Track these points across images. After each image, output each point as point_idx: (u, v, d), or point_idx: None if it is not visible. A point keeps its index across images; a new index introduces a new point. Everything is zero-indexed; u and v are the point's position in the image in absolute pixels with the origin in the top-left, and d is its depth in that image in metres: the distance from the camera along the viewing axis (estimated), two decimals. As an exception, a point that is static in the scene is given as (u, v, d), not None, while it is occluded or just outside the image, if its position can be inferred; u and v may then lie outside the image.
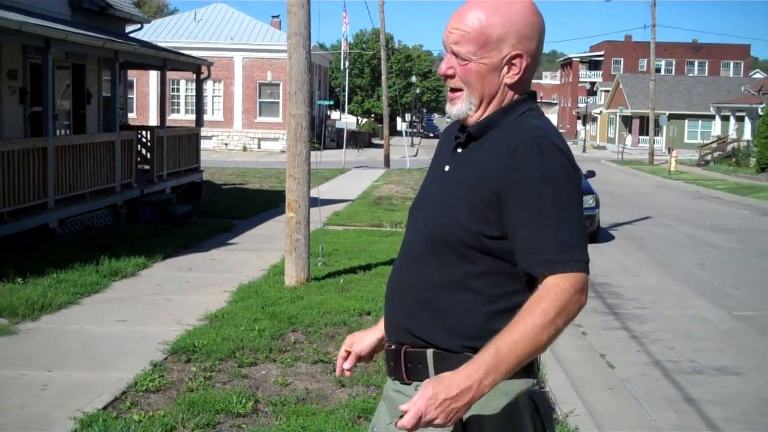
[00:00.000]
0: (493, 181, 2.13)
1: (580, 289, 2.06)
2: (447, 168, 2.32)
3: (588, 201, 15.58)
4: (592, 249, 14.59)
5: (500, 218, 2.12)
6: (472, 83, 2.25)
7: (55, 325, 7.95)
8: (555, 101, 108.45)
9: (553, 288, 2.04)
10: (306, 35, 9.95)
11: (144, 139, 17.73)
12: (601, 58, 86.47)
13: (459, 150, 2.32)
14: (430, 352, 2.21)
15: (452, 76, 2.28)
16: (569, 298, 2.04)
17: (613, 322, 9.42)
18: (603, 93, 78.10)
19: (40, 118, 14.94)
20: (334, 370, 6.36)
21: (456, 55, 2.25)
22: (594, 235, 15.60)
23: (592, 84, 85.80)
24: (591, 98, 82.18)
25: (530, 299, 2.06)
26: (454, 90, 2.30)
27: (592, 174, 17.54)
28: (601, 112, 74.03)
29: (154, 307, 8.88)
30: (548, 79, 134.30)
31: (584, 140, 67.74)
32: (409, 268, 2.29)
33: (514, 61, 2.23)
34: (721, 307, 10.18)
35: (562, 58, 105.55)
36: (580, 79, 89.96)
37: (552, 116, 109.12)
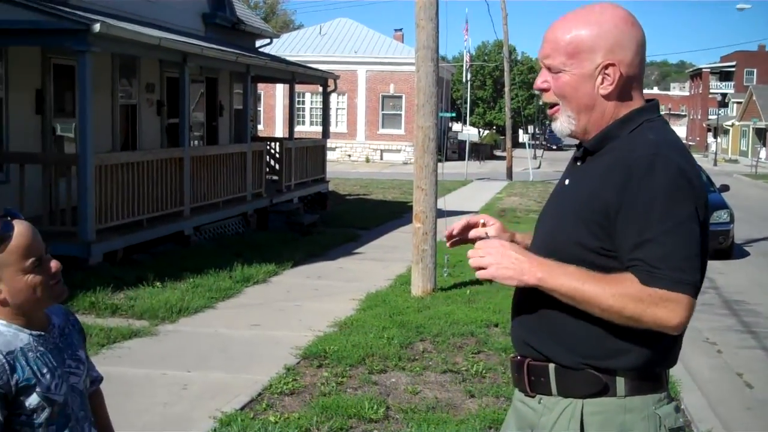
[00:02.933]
0: (605, 196, 2.12)
1: (676, 308, 2.03)
2: (567, 182, 2.35)
3: (722, 216, 15.04)
4: (726, 265, 14.10)
5: (610, 233, 2.11)
6: (566, 95, 2.25)
7: (193, 328, 8.25)
8: (684, 113, 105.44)
9: (655, 293, 2.02)
10: (434, 48, 10.03)
11: (273, 151, 18.20)
12: (733, 69, 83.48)
13: (578, 164, 2.33)
14: (552, 366, 2.23)
15: (546, 90, 2.29)
16: (660, 309, 2.03)
17: (750, 340, 9.06)
18: (735, 105, 75.33)
19: (175, 130, 15.60)
20: (465, 380, 6.41)
21: (549, 68, 2.27)
22: (728, 251, 15.05)
23: (723, 95, 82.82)
24: (722, 110, 79.32)
25: (632, 279, 2.05)
26: (551, 105, 2.30)
27: (726, 188, 16.96)
28: (732, 124, 71.44)
29: (285, 313, 9.10)
30: (677, 90, 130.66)
31: (715, 153, 65.43)
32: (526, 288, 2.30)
33: (607, 71, 2.20)
34: None
35: (691, 69, 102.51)
36: (711, 91, 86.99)
37: (681, 128, 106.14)
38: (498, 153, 58.55)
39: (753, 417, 6.51)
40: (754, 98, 64.31)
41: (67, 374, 2.23)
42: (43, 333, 2.21)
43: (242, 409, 5.72)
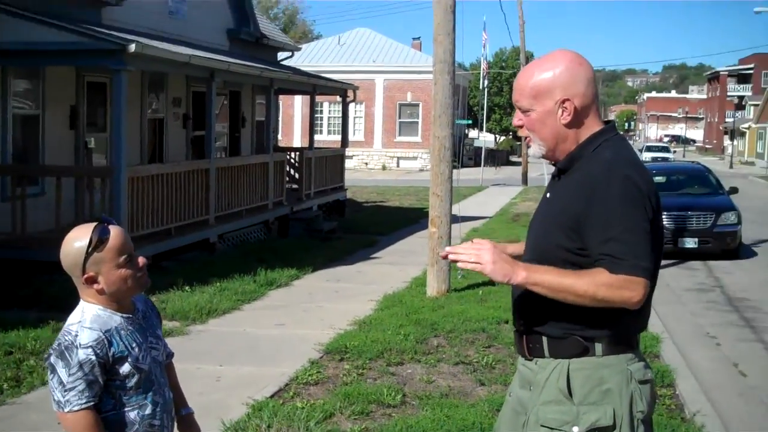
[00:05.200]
0: (575, 206, 2.71)
1: (635, 288, 2.58)
2: (548, 195, 2.94)
3: (729, 218, 15.50)
4: (734, 265, 14.58)
5: (582, 236, 2.69)
6: (535, 129, 2.85)
7: (222, 328, 8.86)
8: (702, 116, 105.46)
9: (619, 279, 2.58)
10: (450, 62, 10.61)
11: (292, 160, 18.82)
12: (751, 71, 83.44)
13: (556, 179, 2.92)
14: (544, 338, 2.82)
15: (521, 126, 2.90)
16: (624, 291, 2.58)
17: (749, 334, 9.55)
18: (752, 107, 75.29)
19: (200, 141, 16.24)
20: (475, 371, 6.97)
21: (520, 109, 2.88)
22: (736, 251, 15.47)
23: (741, 98, 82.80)
24: (739, 113, 79.33)
25: (601, 271, 2.59)
26: (526, 136, 2.91)
27: (734, 190, 17.38)
28: (749, 126, 71.42)
29: (308, 313, 9.70)
30: (695, 93, 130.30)
31: (731, 156, 65.52)
32: None
33: (564, 105, 2.78)
34: None
35: (709, 72, 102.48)
36: (728, 93, 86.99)
37: (698, 131, 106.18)
38: (514, 159, 58.93)
39: (744, 402, 7.01)
40: (770, 100, 64.28)
41: (149, 348, 2.81)
42: (130, 315, 2.79)
43: (272, 396, 6.30)
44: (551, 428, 2.74)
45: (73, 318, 2.72)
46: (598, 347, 2.75)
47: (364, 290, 11.10)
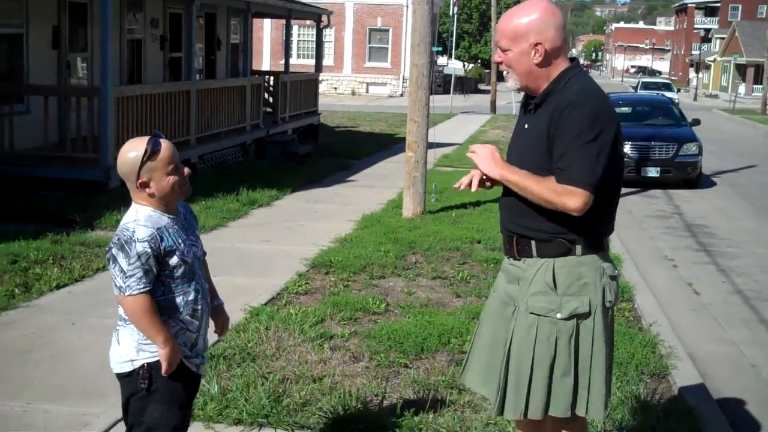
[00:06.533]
0: (548, 132, 3.25)
1: (575, 198, 3.13)
2: (525, 126, 3.44)
3: (691, 148, 16.14)
4: (693, 194, 15.27)
5: (552, 154, 3.23)
6: (512, 66, 3.37)
7: (211, 243, 9.20)
8: (668, 48, 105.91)
9: (562, 187, 3.14)
10: (428, -10, 10.92)
11: (267, 84, 19.06)
12: (718, 4, 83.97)
13: (532, 112, 3.42)
14: (533, 242, 3.35)
15: (500, 62, 3.42)
16: (564, 197, 3.14)
17: (703, 257, 10.23)
18: (718, 40, 76.01)
19: (177, 64, 16.45)
20: (452, 285, 7.54)
21: (500, 48, 3.39)
22: (695, 181, 16.16)
23: (707, 31, 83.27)
24: (705, 45, 79.97)
25: (554, 179, 3.17)
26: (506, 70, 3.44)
27: (697, 122, 18.03)
28: (714, 59, 72.25)
29: (291, 231, 10.19)
30: (662, 24, 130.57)
31: (696, 88, 66.39)
32: (511, 192, 3.40)
33: (536, 47, 3.29)
34: (810, 249, 10.80)
35: (677, 4, 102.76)
36: (695, 26, 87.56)
37: (664, 63, 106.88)
38: (482, 87, 59.27)
39: (696, 316, 7.67)
40: (736, 34, 65.05)
41: (191, 245, 3.29)
42: (175, 217, 3.26)
43: (266, 304, 6.82)
44: (538, 314, 3.30)
45: (129, 217, 3.18)
46: (578, 248, 3.30)
47: (343, 210, 11.59)
